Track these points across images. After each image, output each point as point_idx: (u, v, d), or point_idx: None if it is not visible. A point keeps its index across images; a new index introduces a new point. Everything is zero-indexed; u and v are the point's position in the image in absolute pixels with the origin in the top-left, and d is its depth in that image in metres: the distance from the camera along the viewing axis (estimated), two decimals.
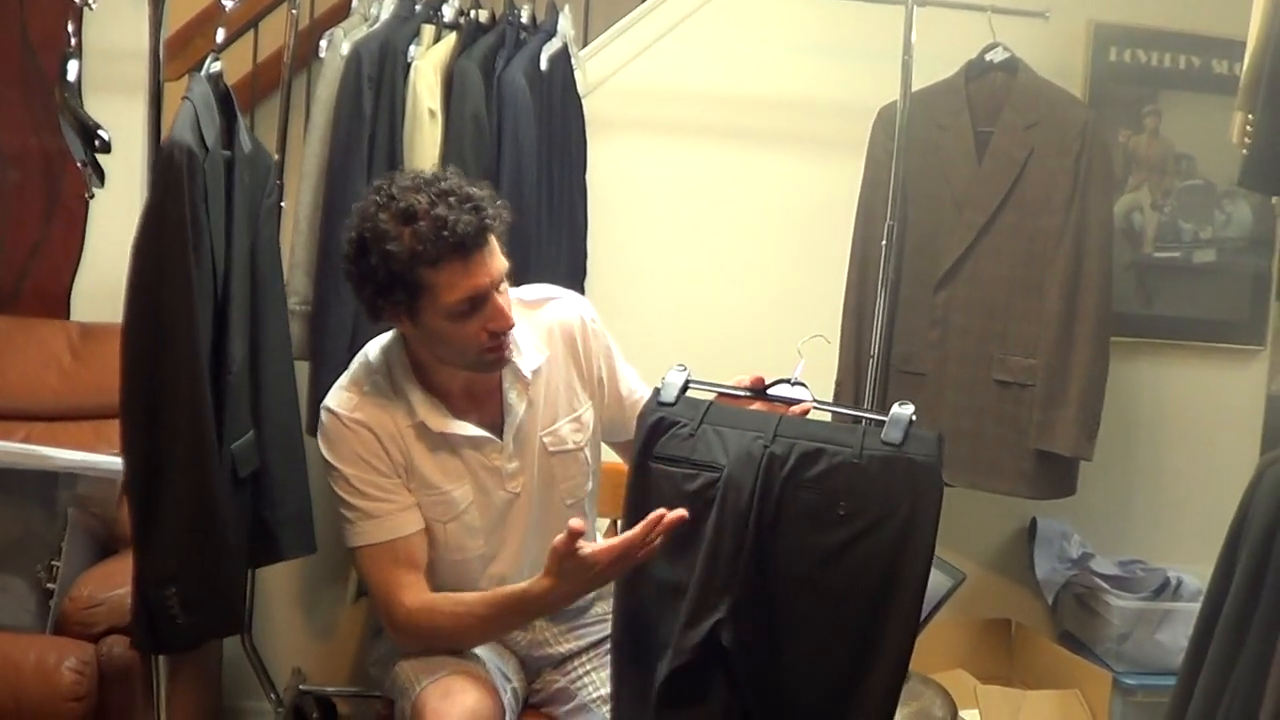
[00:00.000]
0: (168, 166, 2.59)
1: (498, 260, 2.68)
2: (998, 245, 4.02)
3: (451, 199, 2.62)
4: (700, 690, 2.54)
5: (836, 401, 4.01)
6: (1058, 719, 4.05)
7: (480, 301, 2.66)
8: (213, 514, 2.70)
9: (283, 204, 3.69)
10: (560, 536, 2.51)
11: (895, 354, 4.08)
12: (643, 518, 2.54)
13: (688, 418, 2.58)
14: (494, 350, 2.73)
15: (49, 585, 3.47)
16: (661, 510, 2.44)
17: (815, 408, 2.64)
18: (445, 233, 2.58)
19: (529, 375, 2.86)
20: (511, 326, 2.72)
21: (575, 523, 2.50)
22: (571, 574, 2.54)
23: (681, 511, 2.43)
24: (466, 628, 2.78)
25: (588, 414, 2.99)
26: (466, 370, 2.80)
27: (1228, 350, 4.64)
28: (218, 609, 2.79)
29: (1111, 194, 4.13)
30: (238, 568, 2.84)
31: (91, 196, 3.01)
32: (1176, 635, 4.07)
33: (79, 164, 2.98)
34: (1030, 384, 3.99)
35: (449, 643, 2.82)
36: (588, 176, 4.05)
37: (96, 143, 2.92)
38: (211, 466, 2.68)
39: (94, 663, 3.28)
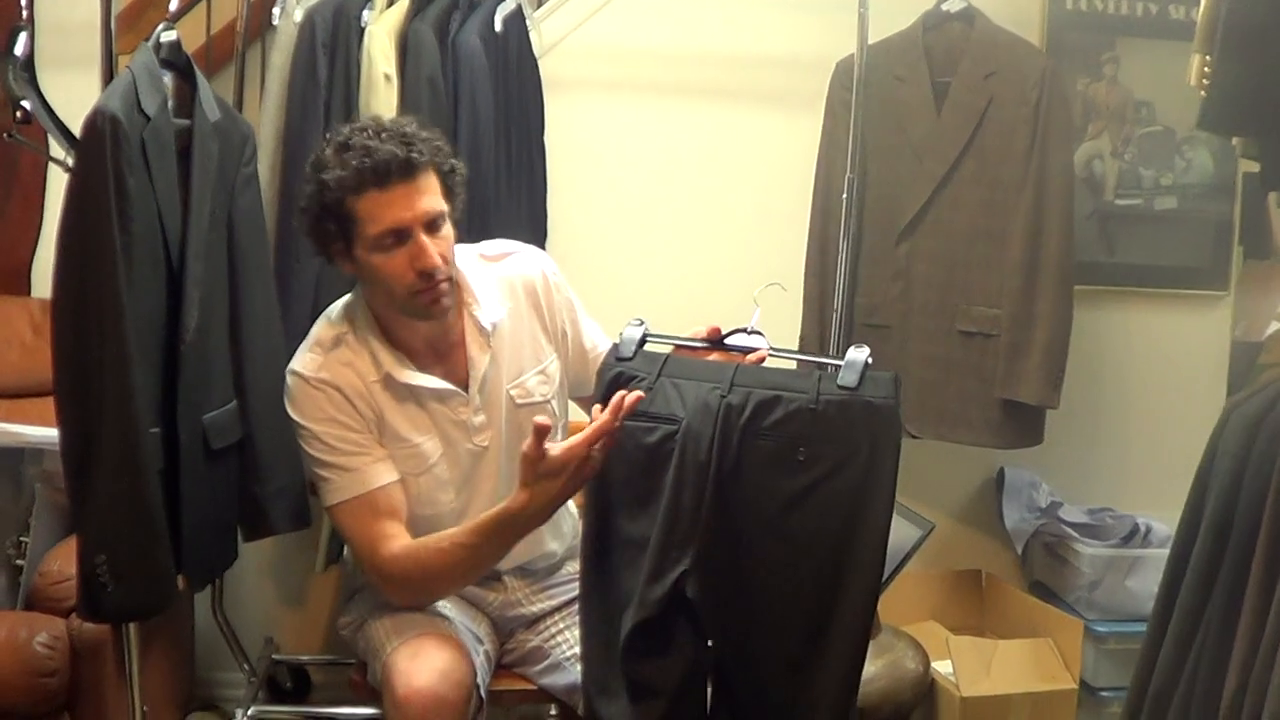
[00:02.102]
0: (89, 136, 2.56)
1: (427, 199, 2.69)
2: (959, 196, 4.01)
3: (384, 134, 2.66)
4: (665, 643, 2.56)
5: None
6: (1030, 668, 4.05)
7: (403, 236, 2.67)
8: (140, 490, 2.66)
9: None
10: (527, 441, 2.50)
11: (859, 307, 4.09)
12: (603, 476, 2.58)
13: (645, 371, 2.59)
14: (425, 294, 2.73)
15: (18, 562, 3.47)
16: (623, 392, 2.46)
17: (771, 355, 2.65)
18: (367, 160, 2.62)
19: (489, 327, 2.87)
20: (436, 267, 2.70)
21: (540, 419, 2.49)
22: (546, 478, 2.52)
23: (639, 393, 2.47)
24: (455, 561, 2.75)
25: (553, 366, 3.00)
26: (405, 315, 2.81)
27: (1191, 296, 4.64)
28: (147, 583, 2.75)
29: (1071, 142, 4.12)
30: (168, 544, 2.80)
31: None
32: (1146, 581, 4.07)
33: (6, 136, 2.98)
34: (995, 334, 3.99)
35: (439, 583, 2.82)
36: (546, 137, 4.04)
37: (19, 114, 2.91)
38: (138, 442, 2.64)
39: (65, 637, 3.28)
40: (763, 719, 2.58)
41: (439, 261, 2.70)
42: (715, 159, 4.39)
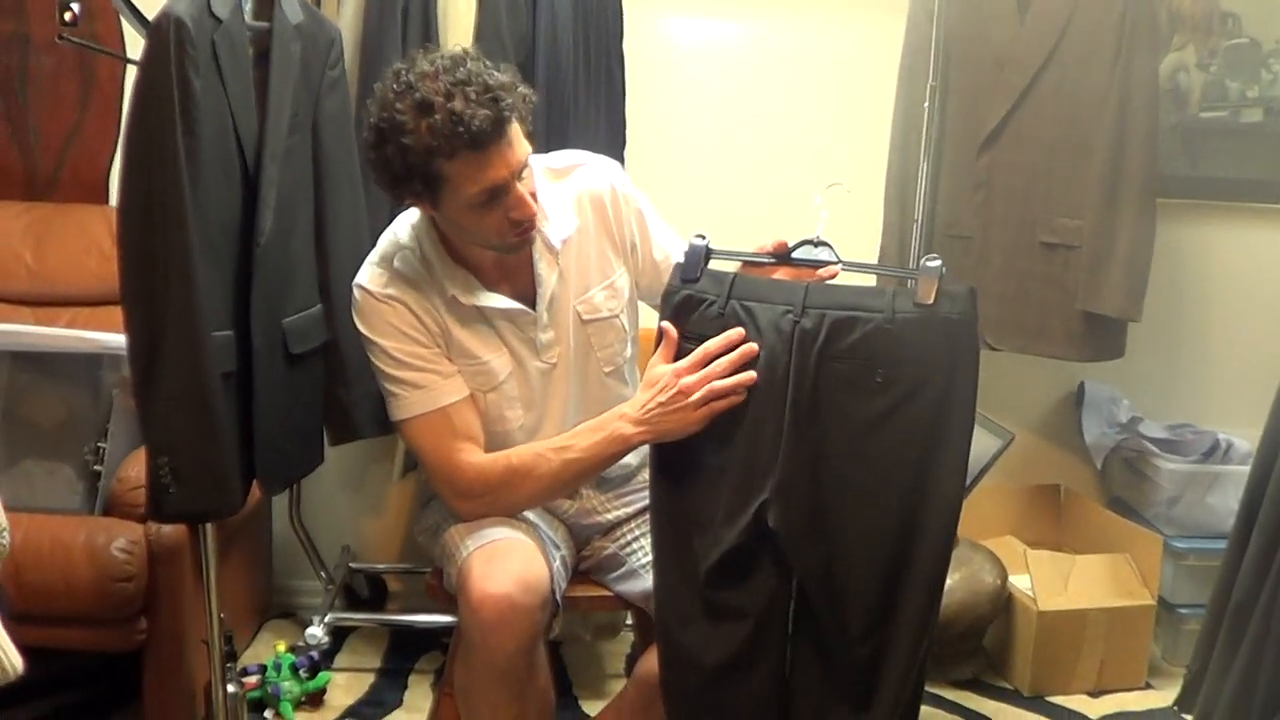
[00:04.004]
0: (153, 38, 2.54)
1: (517, 150, 2.63)
2: (1041, 106, 3.95)
3: (469, 89, 2.55)
4: (748, 571, 2.55)
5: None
6: (1108, 583, 4.04)
7: (500, 192, 2.62)
8: (201, 393, 2.66)
9: None
10: None
11: (939, 218, 4.06)
12: None
13: (715, 293, 2.57)
14: (518, 235, 2.71)
15: (96, 467, 3.49)
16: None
17: (844, 268, 2.61)
18: (460, 128, 2.52)
19: (558, 245, 2.85)
20: (533, 216, 2.69)
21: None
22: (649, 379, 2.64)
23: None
24: (544, 457, 2.79)
25: (621, 280, 2.97)
26: (493, 252, 2.79)
27: (1275, 211, 4.56)
28: (207, 487, 2.75)
29: (1157, 53, 4.03)
30: (231, 448, 2.80)
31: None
32: (1227, 498, 4.06)
33: (57, 39, 2.99)
34: (1076, 245, 3.93)
35: (527, 488, 2.81)
36: (624, 44, 3.99)
37: (67, 15, 2.91)
38: (201, 344, 2.63)
39: (143, 543, 3.31)
40: (845, 642, 2.56)
41: (535, 209, 2.69)
42: (795, 67, 4.35)
